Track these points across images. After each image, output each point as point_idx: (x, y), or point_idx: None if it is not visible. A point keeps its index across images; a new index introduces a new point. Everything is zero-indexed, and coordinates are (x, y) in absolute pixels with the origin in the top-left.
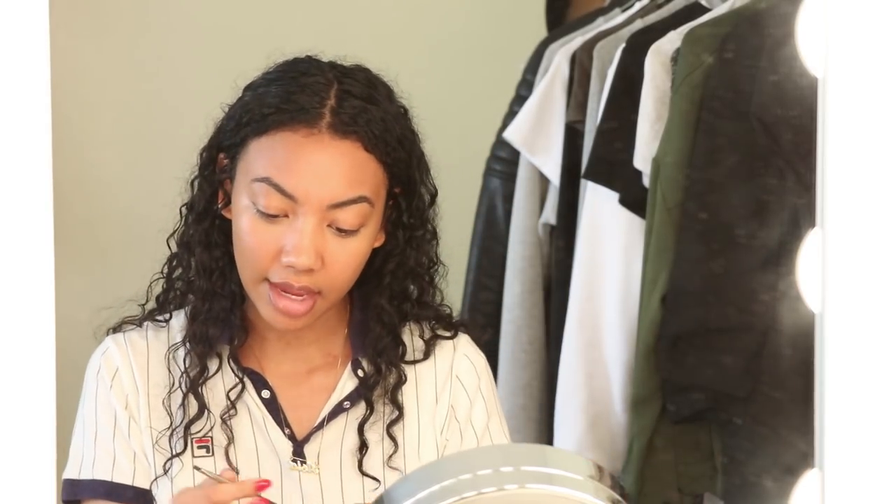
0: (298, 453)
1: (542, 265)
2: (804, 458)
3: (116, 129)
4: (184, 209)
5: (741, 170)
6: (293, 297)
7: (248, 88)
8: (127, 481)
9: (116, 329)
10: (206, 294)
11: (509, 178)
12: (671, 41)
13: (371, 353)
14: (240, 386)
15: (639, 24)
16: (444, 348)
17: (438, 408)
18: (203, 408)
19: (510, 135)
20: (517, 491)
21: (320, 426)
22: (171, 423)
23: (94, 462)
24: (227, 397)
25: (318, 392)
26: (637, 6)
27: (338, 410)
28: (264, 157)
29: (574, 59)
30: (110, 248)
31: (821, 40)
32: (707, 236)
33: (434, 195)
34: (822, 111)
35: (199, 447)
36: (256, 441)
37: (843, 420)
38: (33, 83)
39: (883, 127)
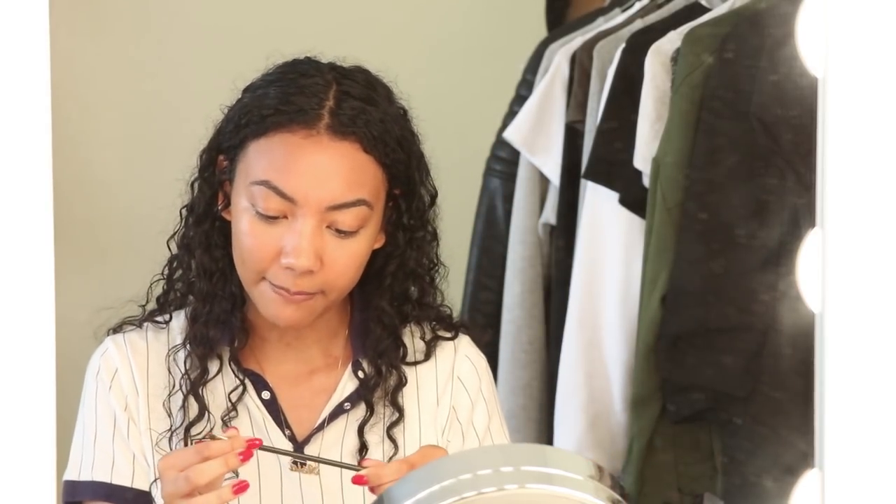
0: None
1: (542, 265)
2: (804, 458)
3: (116, 129)
4: (184, 211)
5: (741, 170)
6: (293, 295)
7: (246, 90)
8: (126, 483)
9: (116, 330)
10: (207, 296)
11: (509, 178)
12: (671, 41)
13: (372, 355)
14: (241, 388)
15: (639, 24)
16: (444, 349)
17: (440, 409)
18: (203, 410)
19: (510, 135)
20: (517, 491)
21: (320, 427)
22: (171, 424)
23: (93, 463)
24: (228, 399)
25: (319, 393)
26: (637, 6)
27: (338, 412)
28: (263, 158)
29: (574, 59)
30: (110, 249)
31: (821, 40)
32: (707, 236)
33: (434, 196)
34: (822, 111)
35: None
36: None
37: (843, 420)
38: (33, 83)
39: (883, 127)
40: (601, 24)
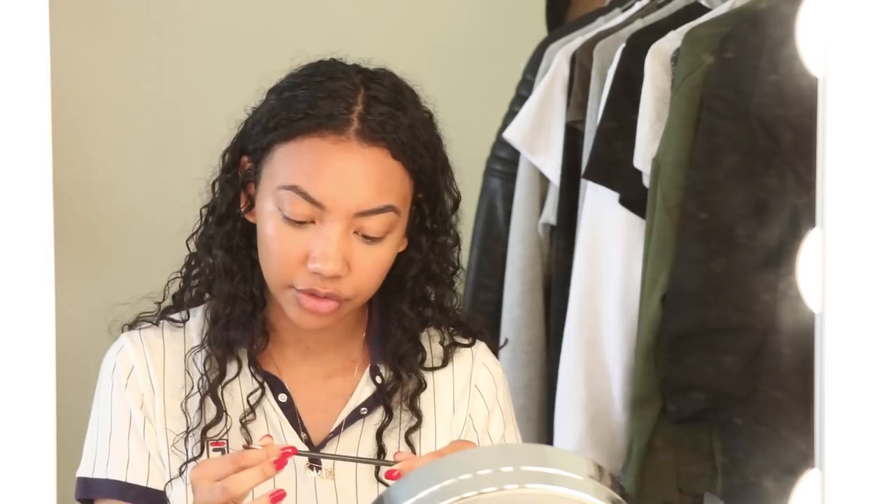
0: (314, 458)
1: (542, 265)
2: (804, 458)
3: (116, 129)
4: (204, 210)
5: (741, 170)
6: (320, 300)
7: (273, 91)
8: (141, 482)
9: (132, 326)
10: (228, 297)
11: (509, 178)
12: (671, 41)
13: (391, 359)
14: (259, 391)
15: (639, 24)
16: (462, 356)
17: (456, 417)
18: (221, 412)
19: (510, 135)
20: (517, 491)
21: (337, 431)
22: (188, 425)
23: (107, 461)
24: (247, 402)
25: (336, 397)
26: (637, 6)
27: (355, 416)
28: (291, 163)
29: (574, 59)
30: (111, 249)
31: (821, 40)
32: (707, 236)
33: (457, 201)
34: (822, 111)
35: (215, 450)
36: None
37: (843, 420)
38: (33, 83)
39: (883, 127)
40: (601, 24)
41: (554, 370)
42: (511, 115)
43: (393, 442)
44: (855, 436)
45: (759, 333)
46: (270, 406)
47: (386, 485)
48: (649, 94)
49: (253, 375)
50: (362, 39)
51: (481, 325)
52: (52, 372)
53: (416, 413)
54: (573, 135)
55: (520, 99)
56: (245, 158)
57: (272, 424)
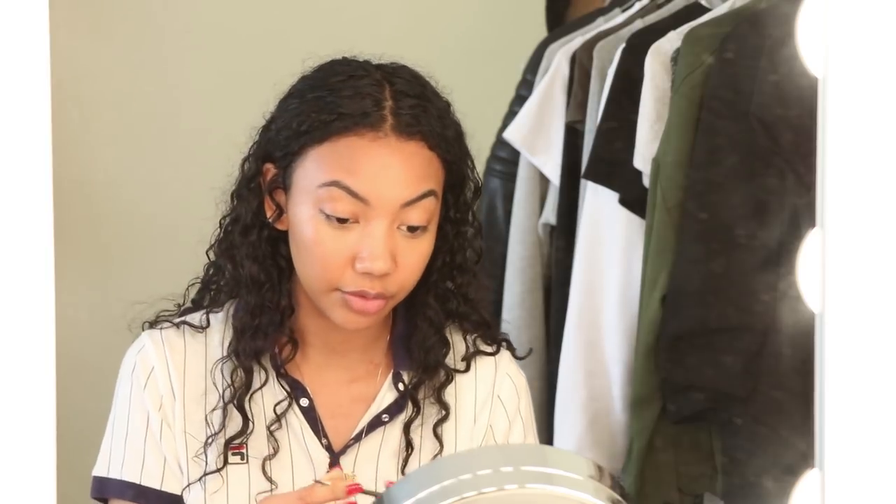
0: (334, 464)
1: (542, 265)
2: (804, 458)
3: (116, 129)
4: (224, 220)
5: (741, 170)
6: (370, 300)
7: (292, 96)
8: (155, 485)
9: (153, 324)
10: (256, 308)
11: (509, 178)
12: (671, 41)
13: (417, 353)
14: (287, 400)
15: (639, 24)
16: (485, 365)
17: (476, 426)
18: (247, 423)
19: (510, 135)
20: (517, 491)
21: (358, 438)
22: (209, 431)
23: (122, 462)
24: (274, 411)
25: (357, 402)
26: (637, 6)
27: (376, 423)
28: (328, 163)
29: (574, 59)
30: (111, 248)
31: (821, 40)
32: (707, 236)
33: (478, 188)
34: (822, 111)
35: (234, 454)
36: (292, 449)
37: (843, 420)
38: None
39: (883, 127)
40: (601, 24)
41: (554, 370)
42: (511, 115)
43: (419, 438)
44: (855, 436)
45: (759, 333)
46: (291, 410)
47: None
48: (649, 94)
49: (281, 385)
50: (362, 39)
51: (504, 333)
52: (52, 372)
53: (444, 406)
54: (573, 135)
55: (520, 99)
56: (269, 165)
57: (293, 429)
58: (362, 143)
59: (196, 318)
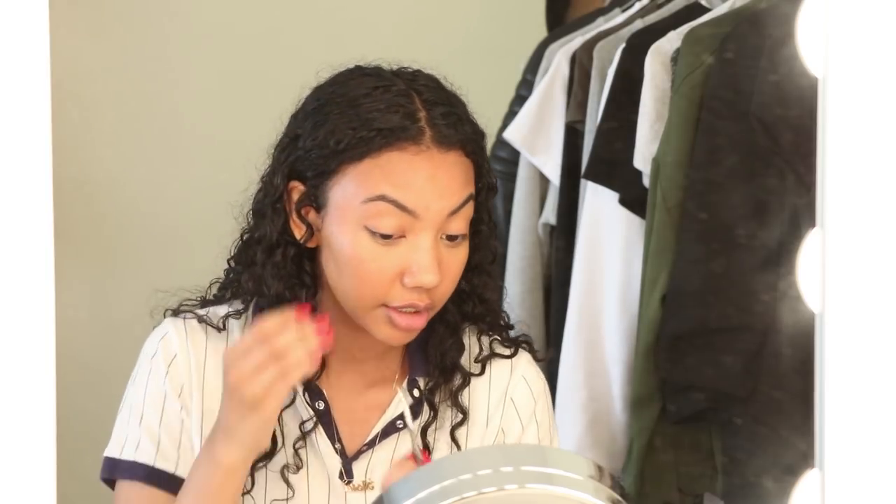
0: (347, 469)
1: (542, 265)
2: (804, 458)
3: (116, 129)
4: (245, 236)
5: (741, 170)
6: (413, 312)
7: (314, 111)
8: (170, 468)
9: (175, 312)
10: None
11: (509, 178)
12: (671, 41)
13: (433, 356)
14: (313, 420)
15: (639, 24)
16: (501, 367)
17: (488, 430)
18: (275, 443)
19: (510, 135)
20: (517, 491)
21: (371, 444)
22: None
23: (137, 444)
24: (300, 429)
25: (372, 408)
26: (637, 6)
27: (390, 429)
28: (372, 179)
29: (574, 59)
30: (110, 248)
31: (821, 40)
32: (707, 236)
33: (494, 187)
34: (822, 111)
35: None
36: (306, 453)
37: (843, 420)
38: (33, 83)
39: (883, 127)
40: (601, 24)
41: (554, 370)
42: (511, 115)
43: (434, 441)
44: (855, 436)
45: (759, 333)
46: (308, 414)
47: None
48: (649, 94)
49: (307, 403)
50: (362, 40)
51: (525, 335)
52: (52, 372)
53: (461, 409)
54: (573, 135)
55: (520, 99)
56: (296, 183)
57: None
58: (405, 156)
59: (217, 316)
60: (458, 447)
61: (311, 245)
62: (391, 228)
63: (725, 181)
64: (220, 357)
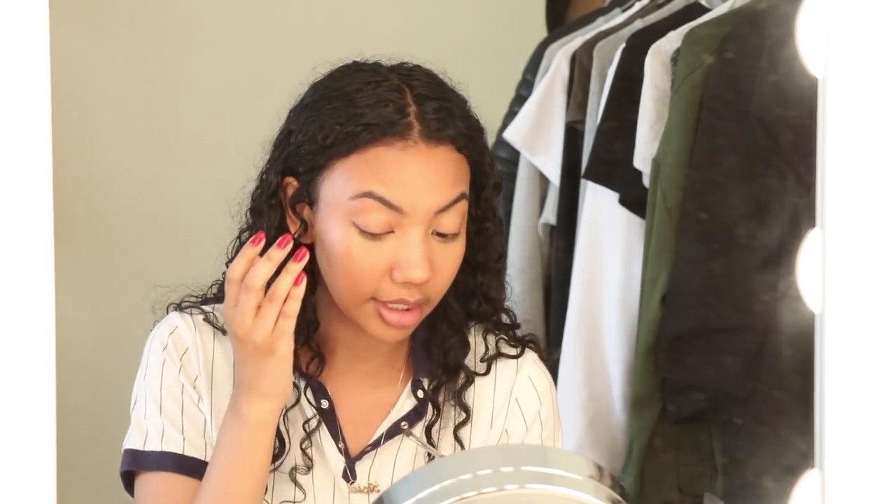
0: (350, 470)
1: (542, 265)
2: (804, 458)
3: (116, 129)
4: (243, 234)
5: (741, 170)
6: (404, 309)
7: (308, 107)
8: (199, 455)
9: (180, 307)
10: None
11: (509, 178)
12: (671, 41)
13: (437, 355)
14: (317, 418)
15: (639, 24)
16: (506, 367)
17: (492, 431)
18: (283, 445)
19: (510, 135)
20: (517, 491)
21: (375, 444)
22: None
23: (161, 435)
24: (304, 429)
25: (376, 409)
26: (637, 6)
27: (395, 430)
28: (358, 175)
29: (574, 59)
30: (111, 248)
31: (821, 40)
32: (707, 236)
33: (498, 184)
34: (822, 111)
35: None
36: (311, 453)
37: (843, 420)
38: (33, 83)
39: (883, 127)
40: (601, 24)
41: (554, 370)
42: (511, 115)
43: (442, 441)
44: (855, 436)
45: (759, 333)
46: (311, 411)
47: None
48: (649, 94)
49: (311, 403)
50: (362, 41)
51: (532, 334)
52: (52, 372)
53: (465, 408)
54: (573, 135)
55: (520, 99)
56: (290, 179)
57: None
58: (392, 152)
59: (220, 312)
60: (462, 447)
61: (306, 241)
62: (378, 226)
63: (725, 181)
64: (226, 356)
